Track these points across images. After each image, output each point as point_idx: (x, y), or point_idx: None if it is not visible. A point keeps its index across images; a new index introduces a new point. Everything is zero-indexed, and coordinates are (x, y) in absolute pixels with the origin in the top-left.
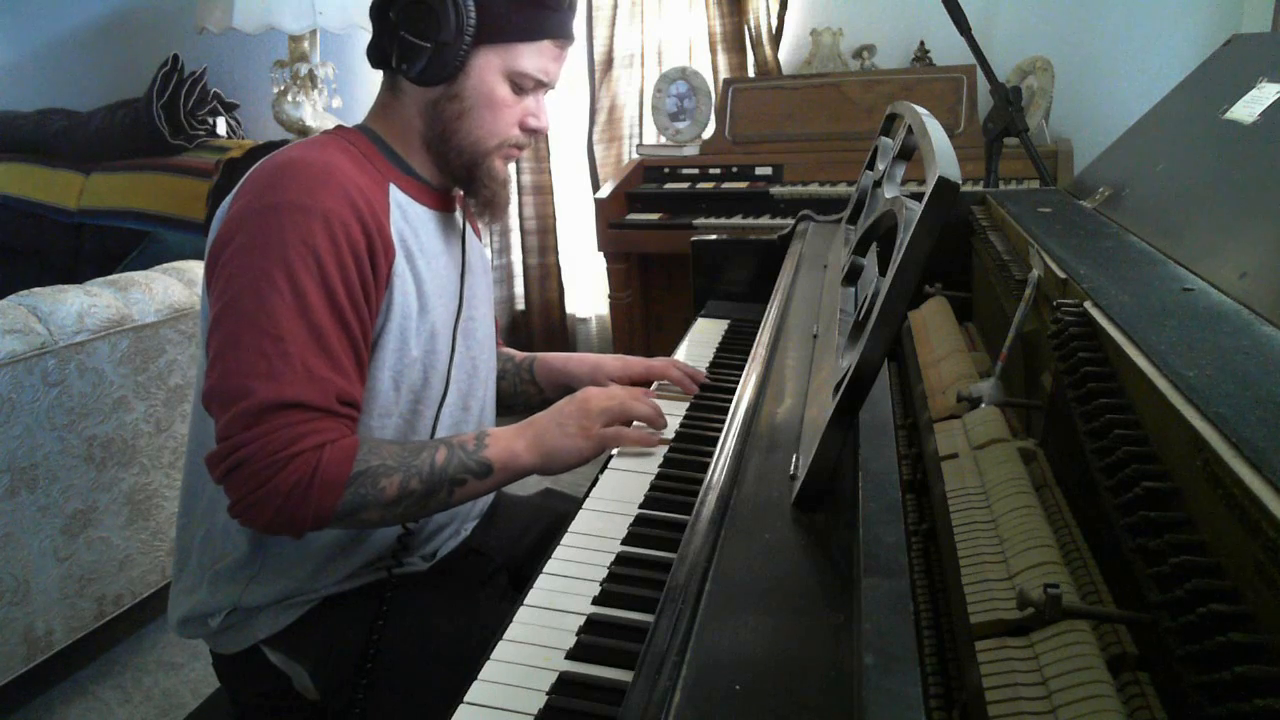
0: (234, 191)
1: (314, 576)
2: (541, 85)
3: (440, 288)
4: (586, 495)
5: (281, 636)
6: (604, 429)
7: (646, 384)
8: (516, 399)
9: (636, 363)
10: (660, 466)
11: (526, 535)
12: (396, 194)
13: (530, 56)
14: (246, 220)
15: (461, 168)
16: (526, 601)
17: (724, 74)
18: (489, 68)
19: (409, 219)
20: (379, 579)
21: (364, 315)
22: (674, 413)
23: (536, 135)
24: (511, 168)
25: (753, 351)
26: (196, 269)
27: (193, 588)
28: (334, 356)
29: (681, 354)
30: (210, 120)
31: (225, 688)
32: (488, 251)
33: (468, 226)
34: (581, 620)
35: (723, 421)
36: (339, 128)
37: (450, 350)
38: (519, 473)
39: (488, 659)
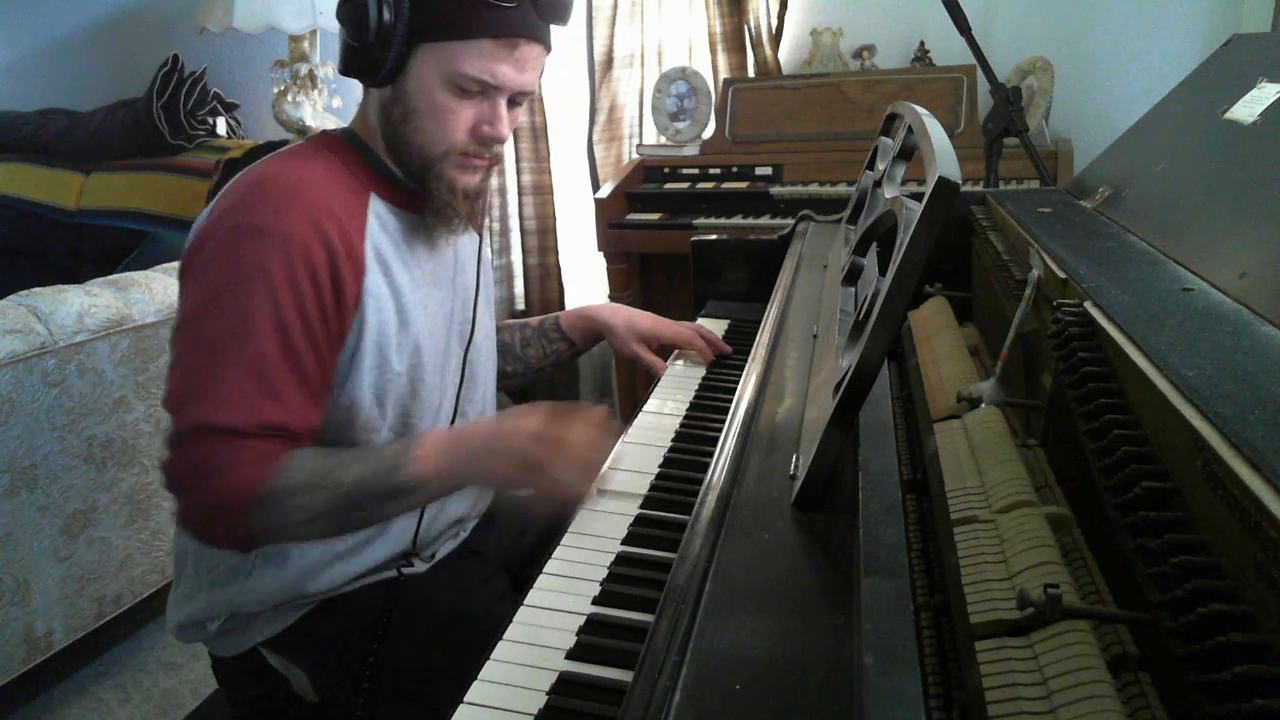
0: (212, 201)
1: (312, 582)
2: (493, 89)
3: (425, 297)
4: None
5: (280, 639)
6: (523, 477)
7: (668, 352)
8: (547, 360)
9: (666, 326)
10: (660, 466)
11: (526, 536)
12: (376, 204)
13: (470, 57)
14: (210, 237)
15: (415, 173)
16: (526, 601)
17: (724, 74)
18: (427, 67)
19: (389, 229)
20: (379, 581)
21: (318, 340)
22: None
23: (492, 144)
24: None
25: (753, 351)
26: None
27: (191, 594)
28: (268, 382)
29: (681, 354)
30: (210, 120)
31: (223, 689)
32: (486, 252)
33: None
34: (581, 620)
35: (723, 421)
36: (324, 134)
37: (439, 360)
38: (443, 492)
39: (488, 659)
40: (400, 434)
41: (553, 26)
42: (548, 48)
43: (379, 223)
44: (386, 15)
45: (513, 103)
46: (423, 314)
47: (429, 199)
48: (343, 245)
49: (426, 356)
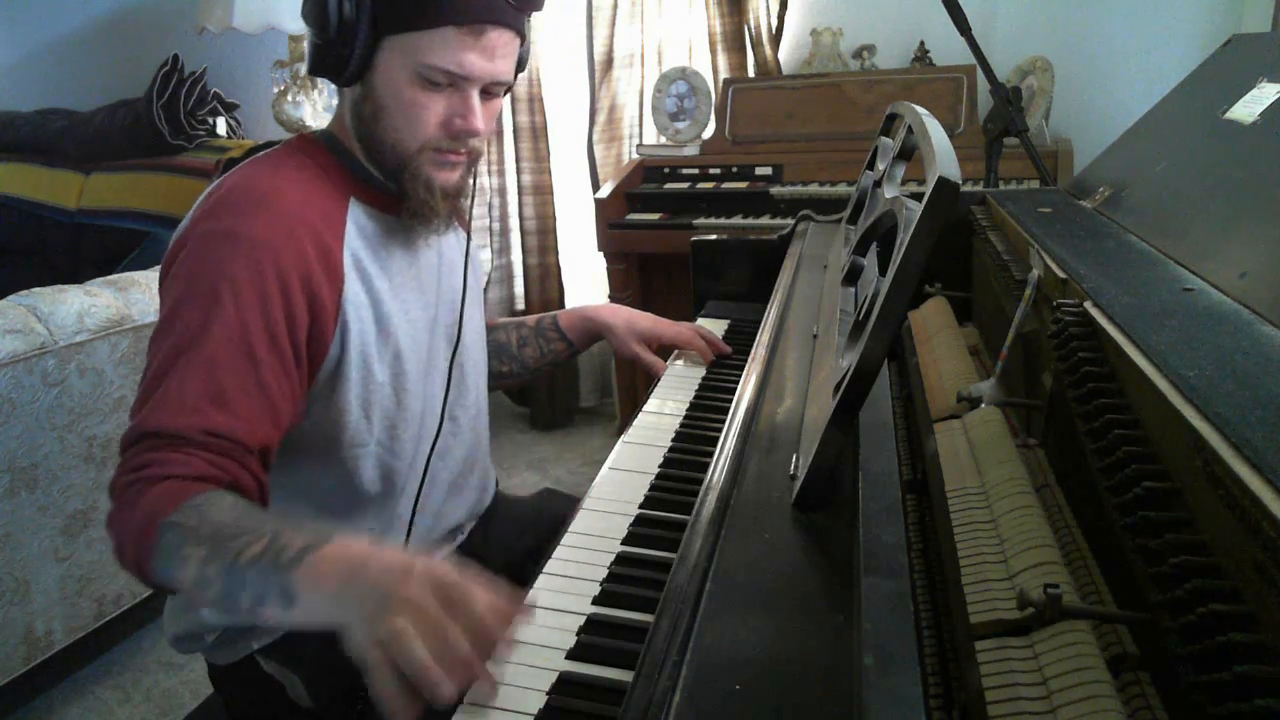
0: (190, 211)
1: None
2: (461, 80)
3: (406, 303)
4: (586, 495)
5: (276, 646)
6: (390, 629)
7: (668, 352)
8: (544, 360)
9: (666, 326)
10: (660, 466)
11: (525, 537)
12: (356, 210)
13: (435, 47)
14: (183, 246)
15: (391, 172)
16: (526, 601)
17: (724, 74)
18: (393, 62)
19: (367, 235)
20: None
21: (285, 351)
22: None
23: (466, 138)
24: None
25: (753, 351)
26: None
27: (185, 608)
28: (220, 388)
29: (681, 354)
30: (210, 120)
31: (220, 696)
32: (486, 253)
33: (451, 225)
34: (581, 620)
35: (723, 421)
36: (300, 137)
37: (422, 366)
38: (318, 617)
39: (487, 659)
40: (387, 446)
41: (541, 19)
42: (520, 34)
43: (357, 228)
44: (347, 8)
45: (487, 94)
46: (403, 320)
47: (406, 199)
48: (318, 255)
49: (408, 364)
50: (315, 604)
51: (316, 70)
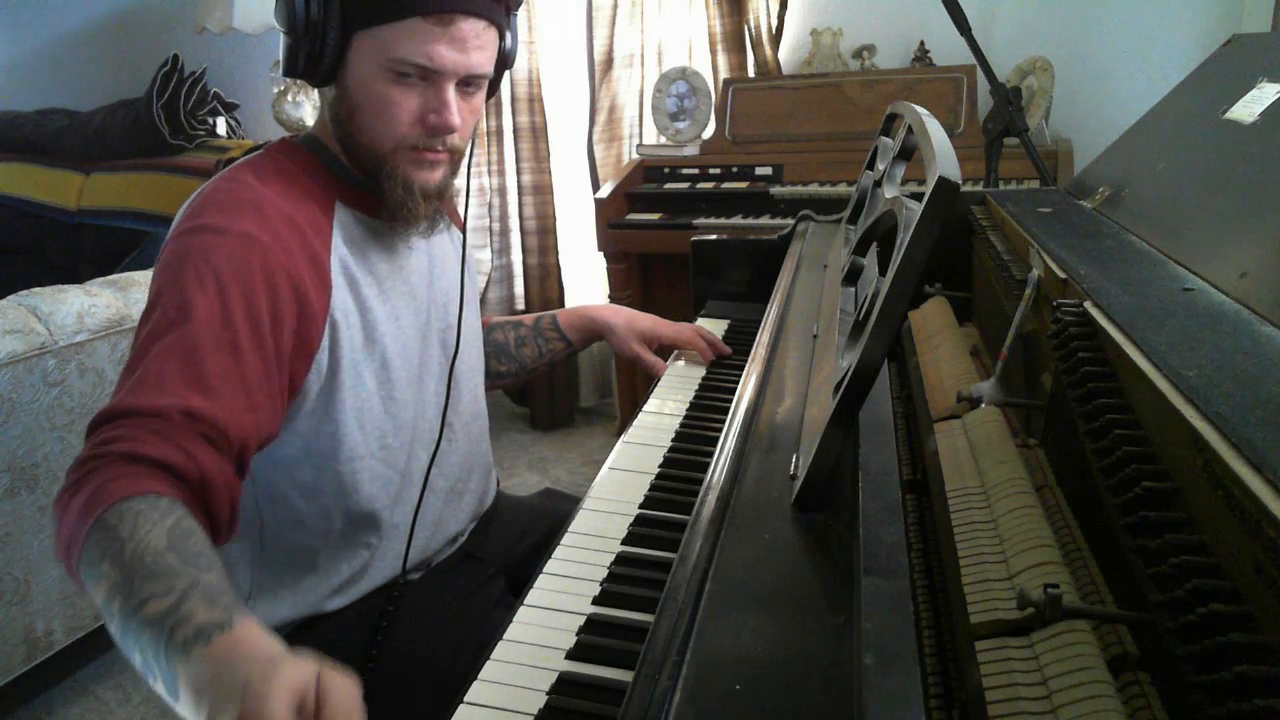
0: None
1: (315, 604)
2: (433, 73)
3: (396, 309)
4: (586, 495)
5: None
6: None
7: (668, 352)
8: (543, 360)
9: (666, 327)
10: (660, 466)
11: (524, 539)
12: (342, 213)
13: (403, 39)
14: (166, 247)
15: (369, 173)
16: (526, 602)
17: (724, 74)
18: (364, 58)
19: (354, 240)
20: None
21: (268, 349)
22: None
23: (443, 135)
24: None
25: (753, 351)
26: None
27: None
28: (200, 372)
29: (681, 354)
30: (210, 120)
31: None
32: (486, 252)
33: (448, 221)
34: (581, 620)
35: (723, 421)
36: (282, 141)
37: (413, 373)
38: (195, 701)
39: (488, 659)
40: (380, 457)
41: (531, 14)
42: (495, 24)
43: (344, 234)
44: (314, 6)
45: (465, 88)
46: (392, 326)
47: (385, 200)
48: (307, 259)
49: (396, 371)
50: (189, 709)
51: (290, 71)
